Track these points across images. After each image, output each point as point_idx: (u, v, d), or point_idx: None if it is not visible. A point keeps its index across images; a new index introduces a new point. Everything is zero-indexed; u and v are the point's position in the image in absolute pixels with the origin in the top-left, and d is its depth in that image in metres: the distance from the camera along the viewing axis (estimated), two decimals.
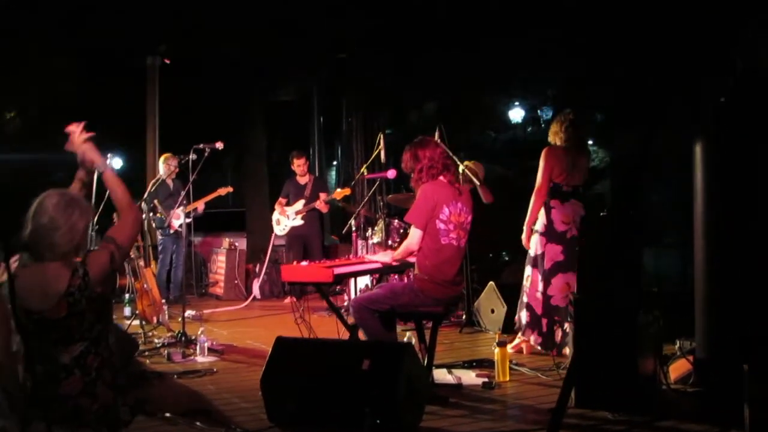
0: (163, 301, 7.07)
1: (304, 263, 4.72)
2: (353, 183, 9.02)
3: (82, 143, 3.03)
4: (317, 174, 12.05)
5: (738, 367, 2.80)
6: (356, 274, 5.59)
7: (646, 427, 3.79)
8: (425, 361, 4.45)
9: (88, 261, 2.77)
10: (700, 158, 2.74)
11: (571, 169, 5.40)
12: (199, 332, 5.75)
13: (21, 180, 11.43)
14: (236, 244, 9.72)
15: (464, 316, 6.79)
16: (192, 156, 6.57)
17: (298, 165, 8.69)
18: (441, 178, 4.46)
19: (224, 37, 9.66)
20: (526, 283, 5.51)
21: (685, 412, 4.00)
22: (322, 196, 8.43)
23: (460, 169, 6.03)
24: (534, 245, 5.45)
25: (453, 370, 4.96)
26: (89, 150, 3.03)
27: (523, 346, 5.56)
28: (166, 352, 5.63)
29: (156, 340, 6.14)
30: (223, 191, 8.64)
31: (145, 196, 8.16)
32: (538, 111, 13.00)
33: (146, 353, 5.73)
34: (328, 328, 5.78)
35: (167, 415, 4.03)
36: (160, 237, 8.78)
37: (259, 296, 9.13)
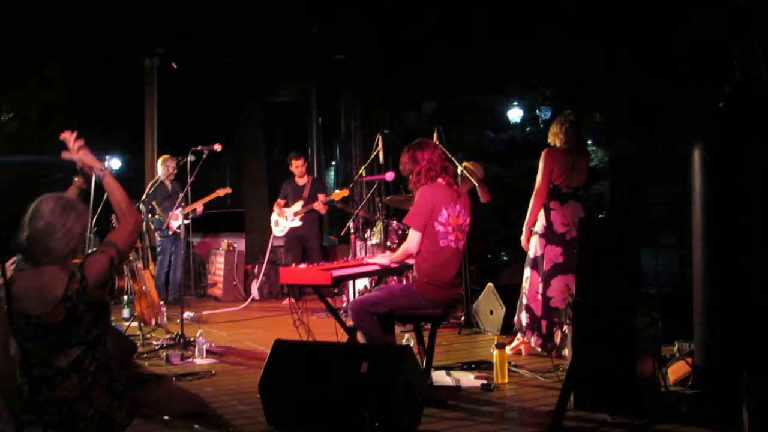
0: (162, 302, 7.06)
1: (302, 266, 4.71)
2: (351, 185, 9.02)
3: (78, 150, 3.02)
4: (316, 174, 12.05)
5: (737, 372, 2.80)
6: (355, 277, 5.59)
7: (644, 429, 3.78)
8: (424, 363, 4.45)
9: (86, 265, 2.76)
10: (698, 164, 2.74)
11: (571, 171, 5.38)
12: (197, 334, 5.75)
13: (20, 180, 11.44)
14: (235, 245, 9.71)
15: (463, 318, 6.79)
16: (190, 157, 6.57)
17: (297, 166, 8.69)
18: (439, 180, 4.46)
19: (223, 38, 9.66)
20: (526, 284, 5.50)
21: (683, 414, 4.00)
22: (321, 197, 8.43)
23: (459, 170, 6.05)
24: (533, 247, 5.44)
25: (452, 372, 4.95)
26: (86, 156, 3.02)
27: (522, 347, 5.56)
28: (164, 354, 5.61)
29: (154, 342, 6.14)
30: (221, 192, 8.63)
31: (144, 197, 8.15)
32: (537, 111, 13.00)
33: (144, 355, 5.73)
34: (326, 329, 5.77)
35: (165, 418, 4.03)
36: (158, 238, 8.77)
37: (257, 297, 9.12)
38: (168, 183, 8.69)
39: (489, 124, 14.11)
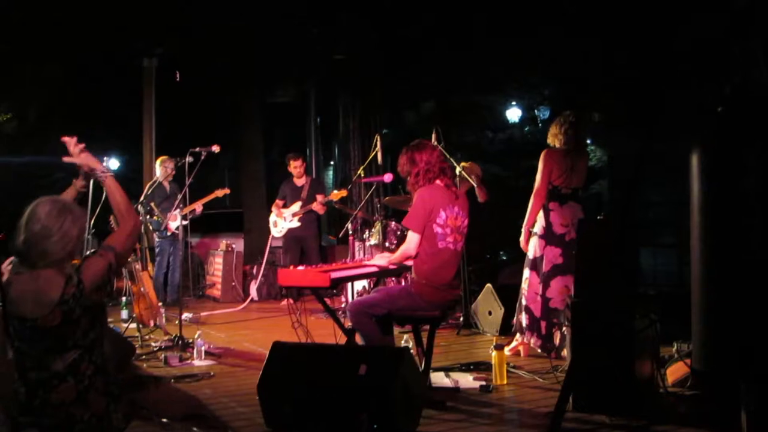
0: (160, 304, 7.05)
1: (300, 267, 4.71)
2: (350, 186, 9.01)
3: (80, 153, 3.02)
4: (315, 175, 12.04)
5: (736, 375, 2.80)
6: (353, 279, 5.59)
7: (643, 431, 3.78)
8: (422, 365, 4.44)
9: (83, 268, 2.75)
10: (696, 168, 2.73)
11: (570, 172, 5.38)
12: (196, 336, 5.74)
13: (18, 181, 11.42)
14: (233, 245, 9.70)
15: (461, 318, 6.78)
16: (188, 158, 6.57)
17: (295, 167, 8.68)
18: (437, 181, 4.45)
19: (222, 39, 9.65)
20: (525, 285, 5.50)
21: (682, 415, 3.99)
22: (319, 197, 8.42)
23: (457, 171, 6.04)
24: (533, 248, 5.44)
25: (450, 374, 4.95)
26: (87, 159, 3.03)
27: (521, 348, 5.55)
28: (163, 355, 5.60)
29: (153, 344, 6.13)
30: (220, 193, 8.62)
31: (142, 198, 8.14)
32: (535, 111, 12.98)
33: (143, 357, 5.72)
34: (325, 330, 5.75)
35: (164, 420, 4.02)
36: (157, 239, 8.76)
37: (256, 298, 9.11)
38: (166, 184, 8.68)
39: (488, 124, 14.09)
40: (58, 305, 2.67)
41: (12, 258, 2.82)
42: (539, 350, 5.39)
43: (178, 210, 7.16)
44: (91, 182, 5.46)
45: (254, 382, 3.91)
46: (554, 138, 5.50)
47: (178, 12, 9.11)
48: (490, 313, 6.49)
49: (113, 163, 13.00)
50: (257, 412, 3.93)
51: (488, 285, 6.61)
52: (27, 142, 11.87)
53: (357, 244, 7.62)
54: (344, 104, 11.28)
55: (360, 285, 7.21)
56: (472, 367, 5.14)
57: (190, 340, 5.83)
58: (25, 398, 2.71)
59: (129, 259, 6.67)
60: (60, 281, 2.70)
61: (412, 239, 4.38)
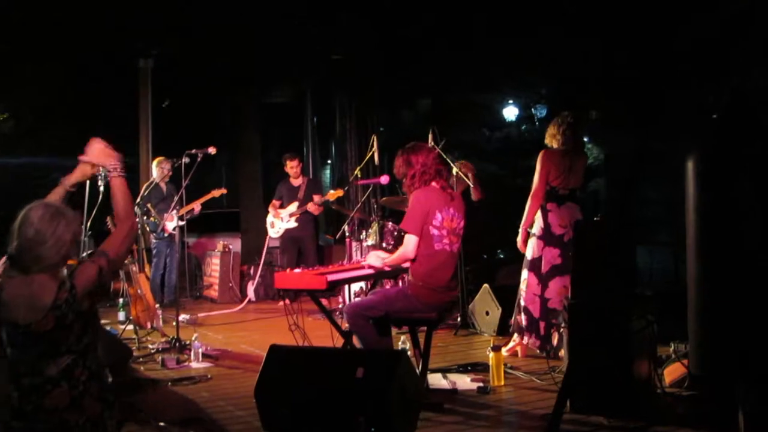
0: (157, 305, 7.03)
1: (297, 270, 4.69)
2: (347, 187, 8.99)
3: (103, 149, 3.04)
4: (312, 174, 12.03)
5: (733, 378, 2.79)
6: (350, 281, 5.57)
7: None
8: (419, 367, 4.43)
9: (75, 273, 2.73)
10: (691, 172, 2.73)
11: (568, 173, 5.37)
12: (193, 338, 5.72)
13: (15, 182, 11.40)
14: (230, 246, 9.69)
15: (459, 319, 6.78)
16: (185, 159, 6.55)
17: (292, 167, 8.66)
18: (433, 183, 4.44)
19: (220, 39, 9.62)
20: (523, 286, 5.49)
21: (680, 416, 3.99)
22: (315, 198, 8.40)
23: (454, 171, 6.03)
24: (531, 248, 5.43)
25: (448, 375, 4.94)
26: (101, 157, 3.04)
27: (518, 349, 5.55)
28: (160, 358, 5.59)
29: (150, 346, 6.12)
30: (216, 193, 8.61)
31: (138, 199, 8.13)
32: (532, 110, 12.97)
33: (140, 359, 5.70)
34: (322, 332, 5.74)
35: (161, 424, 4.01)
36: (153, 241, 8.73)
37: (253, 299, 9.10)
38: (163, 185, 8.66)
39: (485, 122, 14.07)
40: (51, 310, 2.66)
41: (4, 258, 2.80)
42: (537, 351, 5.38)
43: (174, 211, 7.14)
44: (88, 184, 5.47)
45: (252, 385, 3.89)
46: (552, 138, 5.49)
47: (177, 12, 9.08)
48: (487, 314, 6.48)
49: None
50: (255, 415, 3.92)
51: (485, 285, 6.60)
52: (24, 143, 11.85)
53: (354, 244, 7.61)
54: (341, 104, 11.26)
55: (357, 285, 7.20)
56: (469, 368, 5.14)
57: (188, 342, 5.81)
58: (18, 403, 2.69)
59: (126, 261, 6.65)
60: (53, 286, 2.68)
61: (410, 242, 4.37)
